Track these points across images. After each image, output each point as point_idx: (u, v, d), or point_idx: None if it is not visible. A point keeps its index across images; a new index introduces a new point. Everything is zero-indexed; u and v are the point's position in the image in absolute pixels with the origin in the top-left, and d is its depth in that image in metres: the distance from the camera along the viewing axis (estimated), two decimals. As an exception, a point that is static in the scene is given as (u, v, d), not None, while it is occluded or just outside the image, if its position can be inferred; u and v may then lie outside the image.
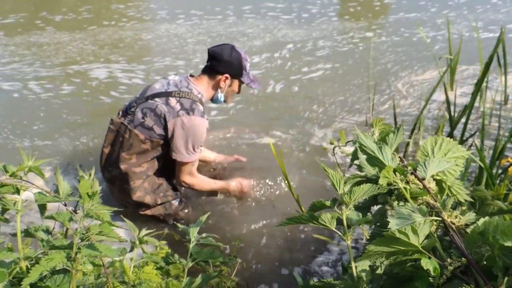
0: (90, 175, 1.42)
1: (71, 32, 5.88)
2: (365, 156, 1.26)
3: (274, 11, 6.91)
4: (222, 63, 2.49)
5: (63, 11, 6.72)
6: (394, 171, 1.22)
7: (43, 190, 1.31)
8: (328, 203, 1.16)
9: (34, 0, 7.38)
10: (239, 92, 2.67)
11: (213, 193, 2.81)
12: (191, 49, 5.48)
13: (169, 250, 1.75)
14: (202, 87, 2.55)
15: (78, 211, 1.33)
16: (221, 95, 2.60)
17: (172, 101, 2.42)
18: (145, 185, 2.53)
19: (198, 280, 1.55)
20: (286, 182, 2.25)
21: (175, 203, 2.64)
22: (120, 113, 2.58)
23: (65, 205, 1.33)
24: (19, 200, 1.25)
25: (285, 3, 7.27)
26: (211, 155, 3.05)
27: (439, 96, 4.02)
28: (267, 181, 2.93)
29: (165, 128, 2.42)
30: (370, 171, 1.26)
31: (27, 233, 1.38)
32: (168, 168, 2.61)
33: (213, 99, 2.63)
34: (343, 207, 1.12)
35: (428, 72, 4.75)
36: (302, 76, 4.79)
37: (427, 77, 4.69)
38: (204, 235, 1.57)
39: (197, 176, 2.63)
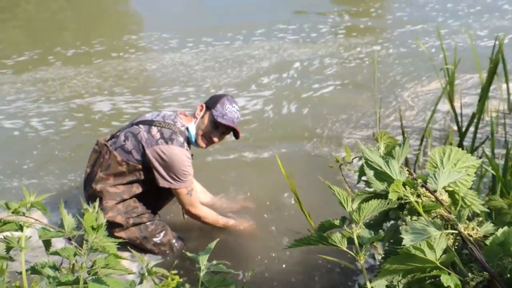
0: (94, 207, 1.40)
1: (76, 67, 5.88)
2: (372, 172, 1.22)
3: (285, 32, 6.90)
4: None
5: (77, 45, 6.65)
6: (404, 184, 1.18)
7: (47, 225, 1.29)
8: (337, 222, 1.11)
9: (50, 35, 7.35)
10: (219, 139, 2.61)
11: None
12: (199, 75, 5.46)
13: (180, 280, 1.70)
14: (188, 123, 2.59)
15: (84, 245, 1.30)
16: (193, 127, 2.56)
17: (154, 130, 2.47)
18: (118, 206, 2.52)
19: (210, 309, 1.50)
20: (297, 202, 2.20)
21: (151, 225, 2.59)
22: (109, 136, 2.64)
23: (70, 239, 1.31)
24: (22, 237, 1.23)
25: (296, 24, 7.26)
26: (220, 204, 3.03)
27: (442, 106, 3.97)
28: (277, 201, 2.89)
29: (144, 155, 2.45)
30: (379, 186, 1.22)
31: (33, 270, 1.35)
32: (153, 198, 2.61)
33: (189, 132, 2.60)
34: (353, 225, 1.08)
35: (434, 83, 4.71)
36: (313, 93, 4.77)
37: (432, 87, 4.65)
38: (214, 262, 1.52)
39: (200, 207, 2.62)
